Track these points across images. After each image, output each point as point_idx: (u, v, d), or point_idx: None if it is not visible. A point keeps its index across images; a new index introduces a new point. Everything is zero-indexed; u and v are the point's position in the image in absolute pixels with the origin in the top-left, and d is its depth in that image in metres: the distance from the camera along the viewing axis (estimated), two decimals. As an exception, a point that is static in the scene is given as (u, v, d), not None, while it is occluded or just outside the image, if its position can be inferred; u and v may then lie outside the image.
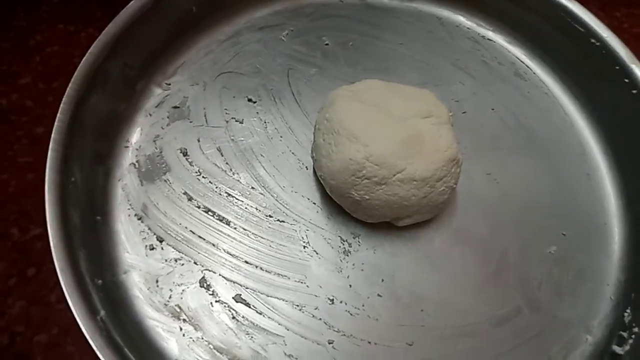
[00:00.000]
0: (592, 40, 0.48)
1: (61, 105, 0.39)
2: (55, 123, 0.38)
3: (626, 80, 0.46)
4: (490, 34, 0.55)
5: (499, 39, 0.55)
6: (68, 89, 0.40)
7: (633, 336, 0.40)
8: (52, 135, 0.38)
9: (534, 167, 0.48)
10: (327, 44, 0.53)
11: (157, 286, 0.40)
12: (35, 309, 0.43)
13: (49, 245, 0.34)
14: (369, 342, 0.39)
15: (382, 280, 0.41)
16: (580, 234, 0.45)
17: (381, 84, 0.43)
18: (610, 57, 0.47)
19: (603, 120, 0.50)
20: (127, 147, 0.45)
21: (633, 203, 0.46)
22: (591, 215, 0.46)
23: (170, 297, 0.39)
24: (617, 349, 0.40)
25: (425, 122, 0.40)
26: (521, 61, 0.54)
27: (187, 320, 0.39)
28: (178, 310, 0.39)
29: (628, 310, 0.41)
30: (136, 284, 0.39)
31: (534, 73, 0.53)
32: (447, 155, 0.40)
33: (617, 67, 0.47)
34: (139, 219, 0.42)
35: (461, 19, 0.56)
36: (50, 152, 0.37)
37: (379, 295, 0.41)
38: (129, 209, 0.43)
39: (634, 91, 0.46)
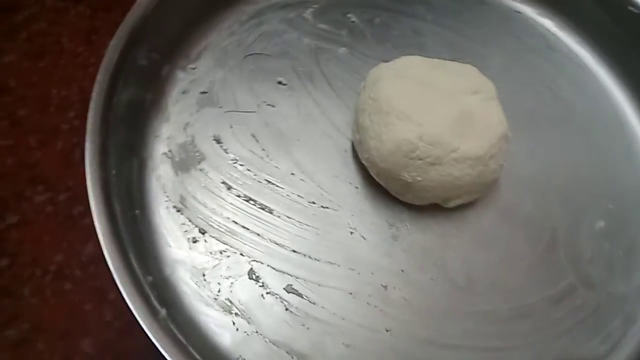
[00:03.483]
0: (630, 8, 0.47)
1: (93, 94, 0.37)
2: (90, 113, 0.36)
3: (668, 48, 0.45)
4: (519, 6, 0.53)
5: (528, 11, 0.53)
6: (98, 76, 0.37)
7: (692, 308, 0.39)
8: (88, 126, 0.36)
9: (573, 141, 0.47)
10: (352, 21, 0.51)
11: (205, 280, 0.38)
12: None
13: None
14: (427, 328, 0.38)
15: (434, 263, 0.40)
16: (627, 207, 0.44)
17: (422, 60, 0.42)
18: (650, 25, 0.46)
19: (640, 91, 0.49)
20: (158, 136, 0.43)
21: (675, 173, 0.46)
22: (636, 187, 0.45)
23: (219, 291, 0.38)
24: (675, 321, 0.40)
25: (474, 98, 0.39)
26: (552, 33, 0.52)
27: (239, 314, 0.37)
28: (229, 304, 0.37)
29: (682, 282, 0.41)
30: (182, 279, 0.38)
31: (566, 44, 0.52)
32: (499, 132, 0.39)
33: (658, 36, 0.46)
34: (178, 211, 0.40)
35: (489, -8, 0.54)
36: (88, 144, 0.35)
37: (432, 279, 0.40)
38: (166, 201, 0.40)
39: (678, 59, 0.45)
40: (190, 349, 0.31)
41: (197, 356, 0.31)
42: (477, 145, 0.37)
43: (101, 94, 0.37)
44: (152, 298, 0.32)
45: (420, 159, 0.37)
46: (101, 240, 0.32)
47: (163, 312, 0.32)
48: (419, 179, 0.38)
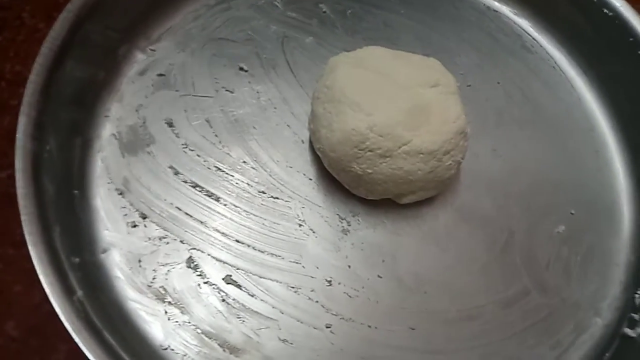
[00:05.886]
0: (605, 11, 0.46)
1: (34, 65, 0.35)
2: (27, 84, 0.35)
3: (640, 52, 0.44)
4: (496, 5, 0.52)
5: (505, 10, 0.52)
6: (42, 48, 0.36)
7: (646, 319, 0.38)
8: (24, 98, 0.34)
9: (540, 143, 0.45)
10: (324, 12, 0.49)
11: (140, 266, 0.37)
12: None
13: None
14: (369, 326, 0.37)
15: (383, 260, 0.39)
16: (589, 213, 0.43)
17: (385, 51, 0.40)
18: (623, 28, 0.45)
19: (612, 95, 0.47)
20: (108, 116, 0.42)
21: (643, 181, 0.44)
22: (600, 193, 0.44)
23: (154, 278, 0.36)
24: (628, 331, 0.38)
25: (432, 92, 0.38)
26: (528, 33, 0.51)
27: (173, 302, 0.36)
28: (163, 292, 0.36)
29: (639, 292, 0.40)
30: (117, 263, 0.36)
31: (541, 46, 0.51)
32: (456, 127, 0.37)
33: (631, 39, 0.44)
34: (120, 194, 0.39)
35: (466, -12, 0.53)
36: (21, 116, 0.34)
37: (379, 276, 0.38)
38: (109, 183, 0.39)
39: (649, 63, 0.43)
40: (106, 332, 0.30)
41: (111, 340, 0.30)
42: (430, 139, 0.36)
43: (43, 67, 0.36)
44: (71, 279, 0.31)
45: (370, 151, 0.36)
46: (22, 214, 0.30)
47: (80, 293, 0.31)
48: (369, 171, 0.37)
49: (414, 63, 0.40)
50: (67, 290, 0.30)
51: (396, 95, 0.37)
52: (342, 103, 0.37)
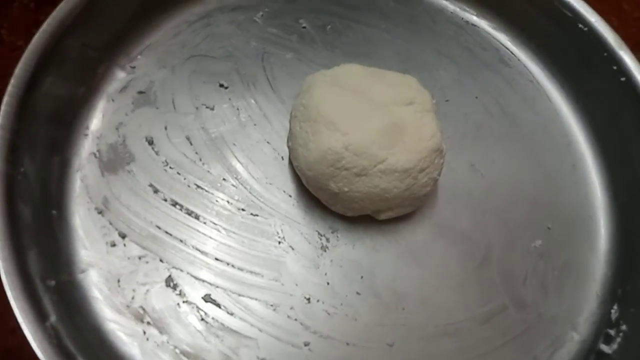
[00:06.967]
0: (580, 26, 0.46)
1: (9, 87, 0.35)
2: (2, 107, 0.35)
3: (614, 68, 0.45)
4: (474, 19, 0.53)
5: (483, 24, 0.53)
6: (17, 68, 0.36)
7: (621, 334, 0.38)
8: (-2, 121, 0.34)
9: (518, 158, 0.46)
10: (304, 27, 0.50)
11: (119, 286, 0.37)
12: None
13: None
14: (347, 344, 0.37)
15: (362, 277, 0.39)
16: (565, 228, 0.43)
17: (361, 69, 0.41)
18: (597, 43, 0.46)
19: (589, 110, 0.48)
20: (87, 135, 0.42)
21: (619, 195, 0.45)
22: (577, 208, 0.45)
23: (133, 298, 0.36)
24: (604, 347, 0.39)
25: (407, 110, 0.38)
26: (506, 47, 0.52)
27: (152, 322, 0.36)
28: (141, 312, 0.36)
29: (615, 307, 0.40)
30: (95, 284, 0.36)
31: (519, 60, 0.51)
32: (431, 145, 0.38)
33: (605, 54, 0.45)
34: (99, 213, 0.39)
35: (444, 3, 0.53)
36: (-4, 139, 0.34)
37: (358, 293, 0.39)
38: (88, 202, 0.39)
39: (623, 79, 0.44)
40: (80, 358, 0.30)
41: (86, 366, 0.30)
42: (405, 157, 0.36)
43: (18, 89, 0.36)
44: (45, 303, 0.31)
45: (346, 169, 0.36)
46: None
47: (53, 318, 0.31)
48: (345, 189, 0.37)
49: (390, 81, 0.40)
50: (40, 316, 0.30)
51: (371, 113, 0.37)
52: (318, 122, 0.37)
